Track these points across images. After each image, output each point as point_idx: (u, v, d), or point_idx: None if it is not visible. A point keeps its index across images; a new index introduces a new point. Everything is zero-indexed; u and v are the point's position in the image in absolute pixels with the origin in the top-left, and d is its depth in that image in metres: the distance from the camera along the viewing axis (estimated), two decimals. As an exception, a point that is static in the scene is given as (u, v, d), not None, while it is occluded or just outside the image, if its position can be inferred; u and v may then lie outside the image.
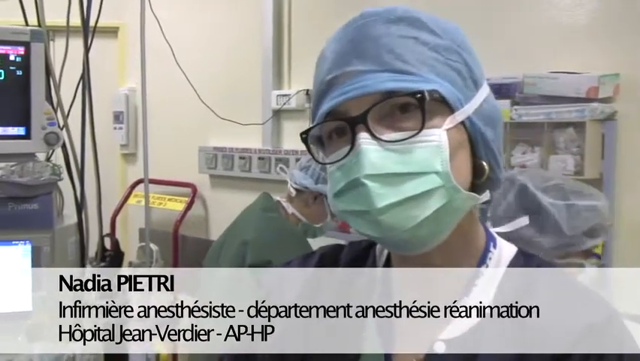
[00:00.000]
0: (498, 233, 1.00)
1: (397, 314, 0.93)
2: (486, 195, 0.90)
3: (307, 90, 3.87)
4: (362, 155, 0.82)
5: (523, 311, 0.87)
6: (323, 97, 0.88)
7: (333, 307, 0.97)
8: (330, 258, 1.06)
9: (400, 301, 0.93)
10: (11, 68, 1.79)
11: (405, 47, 0.84)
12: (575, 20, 2.92)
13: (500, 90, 2.86)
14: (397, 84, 0.83)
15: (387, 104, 0.84)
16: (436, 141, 0.83)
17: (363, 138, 0.83)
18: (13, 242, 1.82)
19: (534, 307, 0.87)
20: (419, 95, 0.82)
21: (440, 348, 0.89)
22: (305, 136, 0.91)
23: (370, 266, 1.02)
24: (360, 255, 1.04)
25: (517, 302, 0.88)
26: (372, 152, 0.82)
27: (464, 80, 0.87)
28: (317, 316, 0.97)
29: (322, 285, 1.02)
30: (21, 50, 1.80)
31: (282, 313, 1.00)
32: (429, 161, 0.82)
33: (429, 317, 0.91)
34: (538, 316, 0.86)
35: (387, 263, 1.00)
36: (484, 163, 0.89)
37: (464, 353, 0.87)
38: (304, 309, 0.98)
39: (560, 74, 2.78)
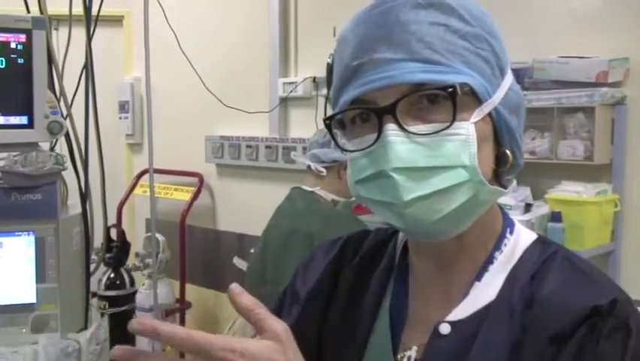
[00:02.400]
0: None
1: (410, 303, 0.96)
2: (513, 187, 0.90)
3: (314, 78, 3.84)
4: (389, 147, 0.81)
5: (530, 298, 0.86)
6: (347, 83, 0.86)
7: (349, 296, 1.01)
8: (354, 242, 1.07)
9: (415, 290, 0.96)
10: (12, 56, 1.76)
11: (435, 35, 0.82)
12: (585, 4, 2.88)
13: (509, 75, 2.83)
14: (428, 76, 0.81)
15: (416, 95, 0.82)
16: (464, 134, 0.81)
17: (391, 129, 0.81)
18: (17, 233, 1.80)
19: (539, 293, 0.85)
20: (451, 90, 0.80)
21: (445, 329, 0.89)
22: (329, 122, 0.89)
23: (391, 251, 1.03)
24: (384, 240, 1.05)
25: (525, 288, 0.87)
26: (400, 144, 0.81)
27: (492, 70, 0.86)
28: (332, 305, 1.02)
29: (341, 273, 1.05)
30: (22, 38, 1.77)
31: (303, 299, 1.05)
32: (457, 155, 0.81)
33: (443, 304, 0.92)
34: (542, 302, 0.85)
35: (405, 247, 1.01)
36: (508, 151, 0.88)
37: (467, 336, 0.87)
38: (321, 297, 1.03)
39: (570, 58, 2.75)
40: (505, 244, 0.93)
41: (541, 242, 0.94)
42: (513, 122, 0.88)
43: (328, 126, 0.89)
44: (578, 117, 2.71)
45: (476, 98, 0.83)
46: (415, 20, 0.82)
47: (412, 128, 0.81)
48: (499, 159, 0.88)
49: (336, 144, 0.91)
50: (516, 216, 2.56)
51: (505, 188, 0.90)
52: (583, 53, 2.75)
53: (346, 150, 0.89)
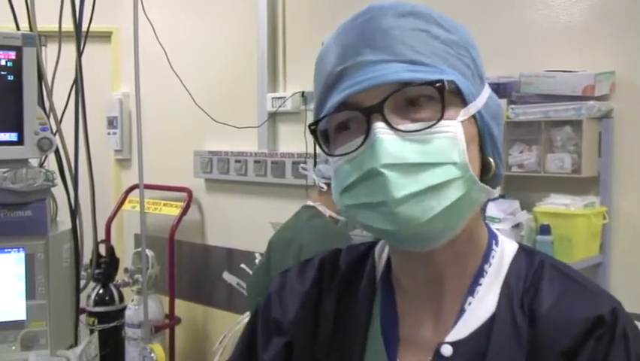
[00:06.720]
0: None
1: (401, 323, 0.93)
2: (498, 191, 0.90)
3: (303, 92, 3.85)
4: (379, 144, 0.80)
5: (532, 312, 0.86)
6: (332, 88, 0.86)
7: (335, 322, 0.97)
8: (329, 265, 1.03)
9: (404, 309, 0.94)
10: (2, 73, 1.76)
11: (417, 38, 0.83)
12: (571, 18, 2.91)
13: (497, 90, 2.84)
14: (414, 74, 0.81)
15: (403, 95, 0.82)
16: (452, 132, 0.82)
17: (380, 127, 0.80)
18: (6, 250, 1.79)
19: (541, 307, 0.86)
20: (438, 85, 0.81)
21: (447, 351, 0.87)
22: (314, 127, 0.88)
23: (370, 269, 1.00)
24: (360, 258, 1.02)
25: (522, 300, 0.87)
26: (390, 141, 0.80)
27: (472, 75, 0.87)
28: (319, 332, 0.97)
29: (323, 297, 1.00)
30: (12, 55, 1.77)
31: (284, 329, 1.00)
32: (447, 152, 0.81)
33: (436, 321, 0.90)
34: (546, 317, 0.85)
35: (387, 264, 0.98)
36: (491, 159, 0.88)
37: (472, 355, 0.86)
38: (306, 325, 0.98)
39: (557, 72, 2.77)
40: (493, 256, 0.92)
41: (524, 251, 0.95)
42: (495, 129, 0.88)
43: (313, 132, 0.88)
44: (565, 131, 2.73)
45: (462, 99, 0.84)
46: (396, 26, 0.83)
47: (400, 127, 0.81)
48: (483, 167, 0.88)
49: (320, 147, 0.90)
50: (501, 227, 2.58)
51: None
52: (569, 67, 2.78)
53: (333, 155, 0.87)
